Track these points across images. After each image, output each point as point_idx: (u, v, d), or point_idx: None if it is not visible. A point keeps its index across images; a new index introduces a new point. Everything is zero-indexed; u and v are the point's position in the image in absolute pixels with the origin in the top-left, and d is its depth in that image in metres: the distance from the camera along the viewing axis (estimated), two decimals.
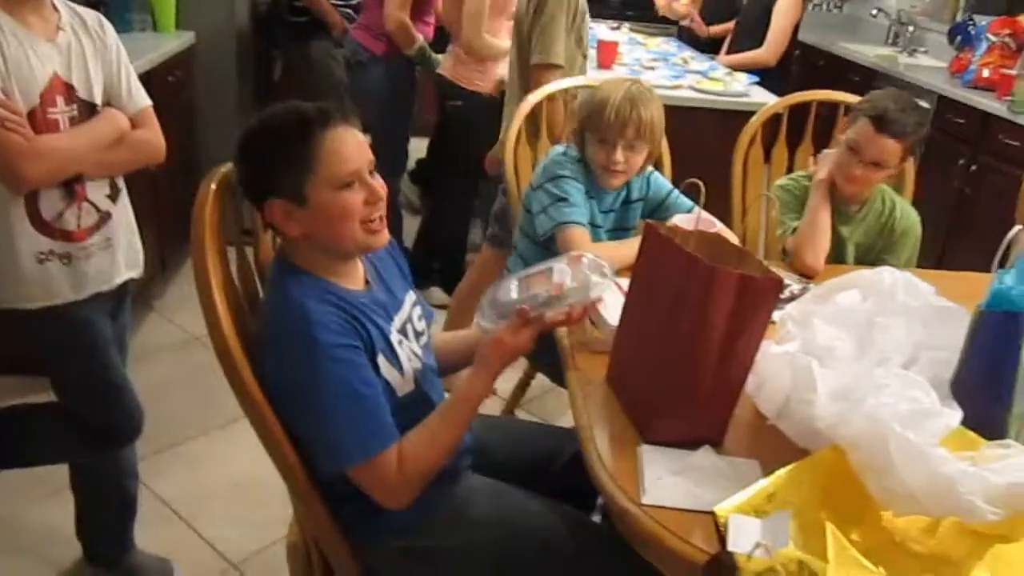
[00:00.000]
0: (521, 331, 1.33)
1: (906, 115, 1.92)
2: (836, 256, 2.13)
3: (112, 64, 1.71)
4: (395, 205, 3.67)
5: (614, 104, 1.84)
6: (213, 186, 1.30)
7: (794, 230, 2.05)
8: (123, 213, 1.79)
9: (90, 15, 1.70)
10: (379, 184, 1.31)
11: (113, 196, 1.74)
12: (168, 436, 2.52)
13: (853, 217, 2.11)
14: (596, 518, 1.59)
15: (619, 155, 1.87)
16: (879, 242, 2.13)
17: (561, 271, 1.33)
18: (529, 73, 2.69)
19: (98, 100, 1.68)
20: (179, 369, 2.86)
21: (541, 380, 2.37)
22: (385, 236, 1.34)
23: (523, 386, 2.38)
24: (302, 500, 1.32)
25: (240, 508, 2.28)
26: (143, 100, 1.77)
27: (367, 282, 1.39)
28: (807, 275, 1.94)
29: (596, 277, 1.32)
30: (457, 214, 3.51)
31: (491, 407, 2.34)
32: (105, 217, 1.72)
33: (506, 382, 2.35)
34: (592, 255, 1.36)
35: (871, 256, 2.14)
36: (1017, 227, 1.24)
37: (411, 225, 3.71)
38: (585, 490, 1.32)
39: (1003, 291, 1.24)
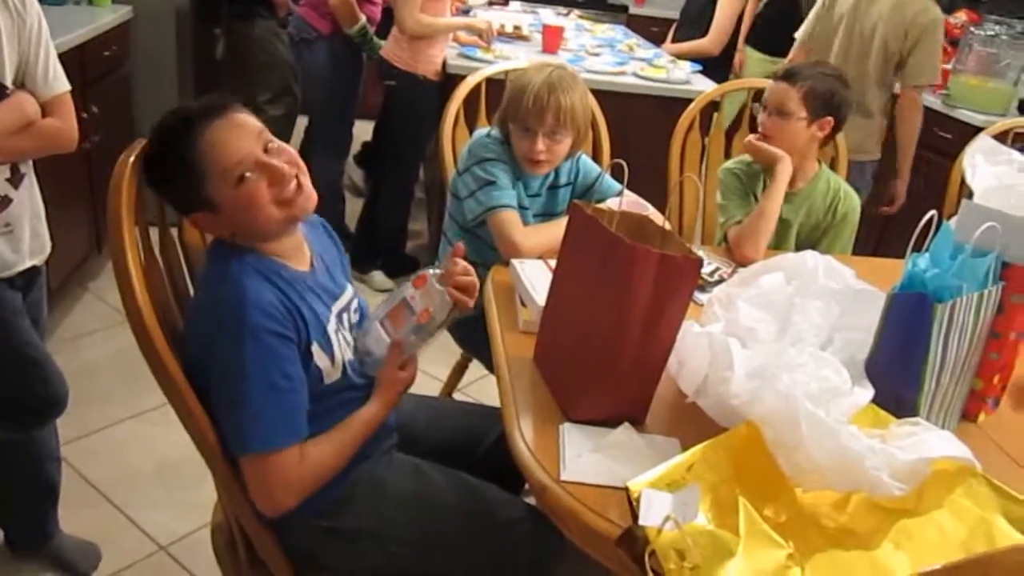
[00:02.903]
0: (406, 364, 1.41)
1: (807, 66, 2.03)
2: (779, 239, 2.15)
3: (30, 44, 1.62)
4: (338, 188, 3.64)
5: (532, 91, 1.81)
6: (131, 160, 1.27)
7: (739, 221, 2.06)
8: (26, 199, 1.71)
9: None
10: (281, 160, 1.25)
11: (14, 181, 1.66)
12: (97, 418, 2.48)
13: (796, 195, 2.12)
14: (529, 500, 1.60)
15: (540, 144, 1.84)
16: (822, 223, 2.16)
17: (414, 297, 1.39)
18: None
19: (7, 81, 1.58)
20: (110, 350, 2.81)
21: (480, 364, 2.37)
22: (306, 198, 1.29)
23: (460, 370, 2.37)
24: (221, 480, 1.30)
25: (169, 491, 2.25)
26: (61, 86, 1.68)
27: (312, 265, 1.38)
28: (743, 264, 1.96)
29: (439, 284, 1.38)
30: (396, 197, 3.48)
31: (429, 389, 2.34)
32: (4, 202, 1.65)
33: (443, 366, 2.35)
34: (433, 270, 1.40)
35: (813, 237, 2.17)
36: (930, 212, 1.27)
37: (356, 207, 3.68)
38: (513, 470, 1.33)
39: (916, 274, 1.27)
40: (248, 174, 1.22)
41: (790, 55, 3.25)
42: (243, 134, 1.23)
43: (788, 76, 2.01)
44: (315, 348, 1.30)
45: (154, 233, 1.36)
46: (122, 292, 1.21)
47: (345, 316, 1.43)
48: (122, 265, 1.21)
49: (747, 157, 2.17)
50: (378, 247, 3.54)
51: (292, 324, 1.25)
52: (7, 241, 1.68)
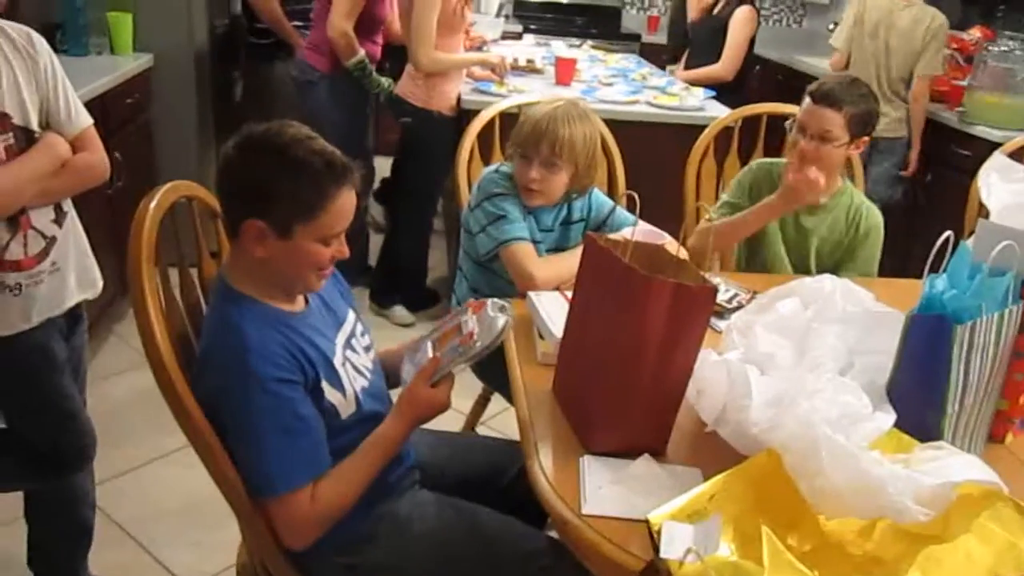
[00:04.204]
0: (440, 384, 1.36)
1: (843, 87, 2.00)
2: (799, 250, 2.15)
3: (47, 83, 1.64)
4: (362, 225, 3.65)
5: (534, 120, 1.86)
6: (151, 205, 1.30)
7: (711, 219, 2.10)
8: (70, 235, 1.75)
9: (18, 31, 1.62)
10: (346, 246, 1.33)
11: (59, 220, 1.71)
12: (124, 459, 2.50)
13: (820, 209, 2.11)
14: (553, 533, 1.59)
15: (534, 172, 1.86)
16: (845, 239, 2.15)
17: (467, 320, 1.38)
18: None
19: (35, 125, 1.62)
20: (136, 391, 2.84)
21: (502, 396, 2.37)
22: (325, 281, 1.37)
23: (483, 402, 2.37)
24: (245, 520, 1.31)
25: (195, 530, 2.26)
26: (84, 120, 1.71)
27: (306, 303, 1.40)
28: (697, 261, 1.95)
29: (500, 315, 1.36)
30: (415, 232, 3.50)
31: (452, 424, 2.34)
32: (52, 242, 1.69)
33: (467, 399, 2.35)
34: (494, 299, 1.40)
35: (836, 254, 2.16)
36: (947, 233, 1.26)
37: (378, 243, 3.70)
38: (537, 503, 1.32)
39: (934, 296, 1.26)
40: (332, 242, 1.29)
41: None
42: (352, 210, 1.30)
43: (830, 101, 1.97)
44: (325, 385, 1.32)
45: (173, 274, 1.38)
46: (143, 336, 1.23)
47: (355, 342, 1.44)
48: (142, 310, 1.24)
49: (780, 159, 2.18)
50: (399, 281, 3.56)
51: (298, 366, 1.27)
52: (57, 278, 1.71)
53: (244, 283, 1.31)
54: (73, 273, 1.76)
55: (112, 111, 3.02)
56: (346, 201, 1.27)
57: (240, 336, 1.23)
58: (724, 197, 2.21)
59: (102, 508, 2.25)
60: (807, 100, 2.03)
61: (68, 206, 1.75)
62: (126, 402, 2.77)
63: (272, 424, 1.23)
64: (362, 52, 3.28)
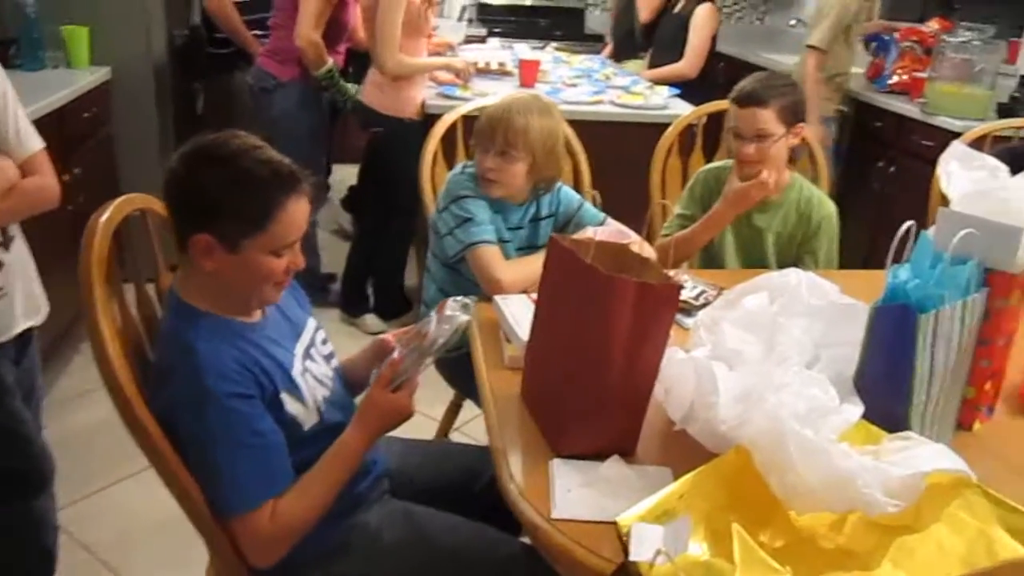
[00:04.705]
0: (401, 389, 1.33)
1: (762, 83, 2.04)
2: (754, 249, 2.16)
3: None
4: (312, 242, 3.55)
5: (491, 111, 1.89)
6: (101, 220, 1.27)
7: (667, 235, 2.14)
8: (18, 260, 1.70)
9: None
10: (301, 255, 1.30)
11: (5, 243, 1.66)
12: (91, 481, 2.45)
13: (770, 206, 2.14)
14: (527, 538, 1.57)
15: (490, 161, 1.88)
16: (798, 232, 2.17)
17: (430, 322, 1.35)
18: None
19: None
20: (102, 412, 2.75)
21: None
22: (282, 293, 1.34)
23: (455, 409, 2.35)
24: (210, 540, 1.28)
25: (167, 551, 2.21)
26: (35, 144, 1.67)
27: (263, 313, 1.37)
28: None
29: (460, 313, 1.34)
30: (392, 240, 3.47)
31: (425, 431, 2.32)
32: None
33: (438, 406, 2.33)
34: (455, 297, 1.38)
35: (792, 249, 2.18)
36: (908, 223, 1.26)
37: (344, 252, 3.66)
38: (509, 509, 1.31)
39: (897, 286, 1.26)
40: (284, 253, 1.26)
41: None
42: (305, 218, 1.27)
43: (756, 100, 2.01)
44: (284, 396, 1.29)
45: (129, 290, 1.35)
46: (97, 356, 1.21)
47: (314, 351, 1.42)
48: (95, 329, 1.21)
49: (727, 161, 2.20)
50: (377, 290, 3.52)
51: (253, 380, 1.24)
52: (3, 304, 1.66)
53: (197, 297, 1.28)
54: (20, 299, 1.72)
55: (70, 126, 2.97)
56: (297, 210, 1.24)
57: (193, 354, 1.20)
58: (677, 209, 2.23)
59: (69, 531, 2.21)
60: (733, 107, 2.06)
61: (16, 231, 1.70)
62: (93, 422, 2.71)
63: (228, 442, 1.20)
64: (331, 61, 3.27)
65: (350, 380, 1.52)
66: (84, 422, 2.71)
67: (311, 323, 1.46)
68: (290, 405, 1.29)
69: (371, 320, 3.48)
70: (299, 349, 1.38)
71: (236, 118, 3.82)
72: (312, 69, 3.25)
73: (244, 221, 1.21)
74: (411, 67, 3.15)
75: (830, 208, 2.18)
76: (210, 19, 3.79)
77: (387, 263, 3.50)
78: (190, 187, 1.23)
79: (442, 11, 4.19)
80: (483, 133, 1.89)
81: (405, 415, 1.34)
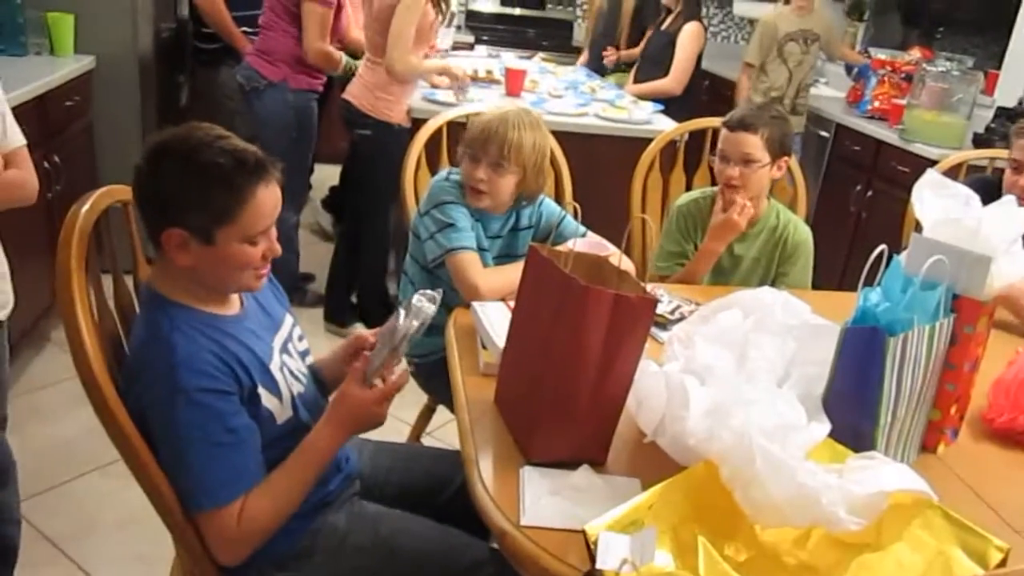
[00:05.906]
0: (374, 387, 1.32)
1: (753, 111, 2.10)
2: (729, 275, 2.19)
3: None
4: (293, 241, 3.52)
5: (485, 121, 1.89)
6: (81, 211, 1.27)
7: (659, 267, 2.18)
8: None
9: None
10: (276, 242, 1.30)
11: None
12: (58, 472, 2.42)
13: (748, 234, 2.17)
14: (496, 544, 1.58)
15: (481, 172, 1.88)
16: (775, 256, 2.20)
17: (396, 315, 1.35)
18: None
19: None
20: (72, 401, 2.76)
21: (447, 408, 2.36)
22: (266, 279, 1.35)
23: (428, 413, 2.36)
24: (178, 535, 1.28)
25: (130, 546, 2.19)
26: (17, 139, 1.68)
27: (242, 305, 1.37)
28: None
29: (427, 303, 1.34)
30: (375, 245, 3.45)
31: (398, 434, 2.32)
32: None
33: (411, 410, 2.33)
34: (422, 291, 1.37)
35: (770, 273, 2.21)
36: (880, 247, 1.29)
37: (323, 250, 3.64)
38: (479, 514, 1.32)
39: (868, 308, 1.28)
40: (259, 240, 1.25)
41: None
42: (277, 204, 1.27)
43: (746, 126, 2.06)
44: (261, 390, 1.29)
45: (107, 280, 1.35)
46: (72, 347, 1.20)
47: (291, 346, 1.42)
48: (71, 319, 1.20)
49: (709, 189, 2.21)
50: (361, 297, 3.51)
51: (231, 374, 1.24)
52: None
53: (173, 290, 1.27)
54: None
55: (51, 113, 2.95)
56: (265, 197, 1.24)
57: (169, 348, 1.20)
58: (665, 247, 2.24)
59: (32, 523, 2.19)
60: (724, 131, 2.11)
61: None
62: (61, 411, 2.69)
63: (200, 438, 1.19)
64: (344, 58, 3.33)
65: (326, 378, 1.52)
66: (49, 413, 2.69)
67: (288, 318, 1.46)
68: (267, 399, 1.29)
69: (360, 329, 3.45)
70: (277, 342, 1.38)
71: (220, 113, 3.80)
72: (332, 75, 3.35)
73: (213, 212, 1.21)
74: (417, 70, 3.17)
75: (805, 233, 2.22)
76: (198, 13, 3.78)
77: (369, 269, 3.48)
78: (156, 184, 1.23)
79: None
80: (476, 143, 1.88)
81: (376, 415, 1.32)
